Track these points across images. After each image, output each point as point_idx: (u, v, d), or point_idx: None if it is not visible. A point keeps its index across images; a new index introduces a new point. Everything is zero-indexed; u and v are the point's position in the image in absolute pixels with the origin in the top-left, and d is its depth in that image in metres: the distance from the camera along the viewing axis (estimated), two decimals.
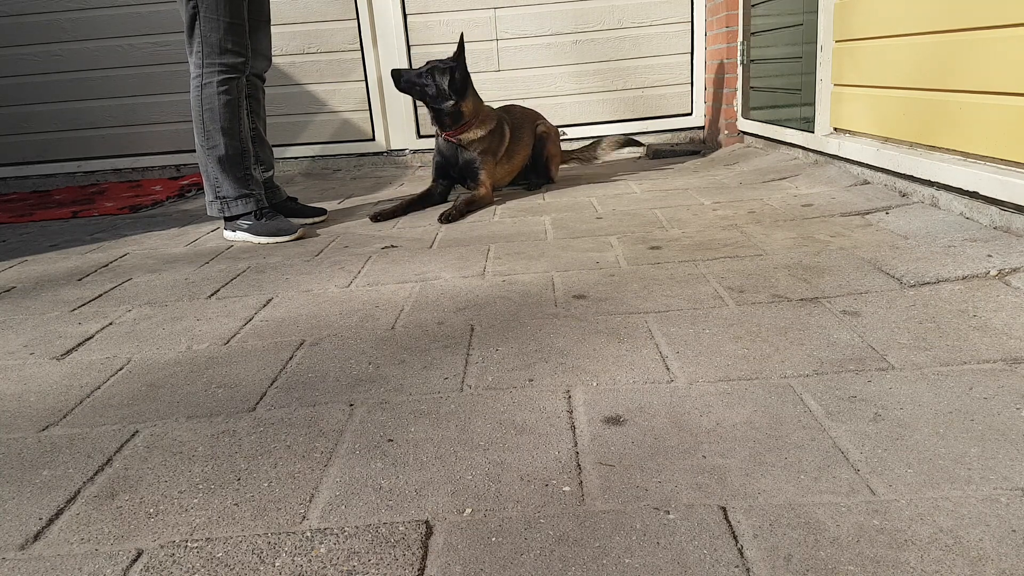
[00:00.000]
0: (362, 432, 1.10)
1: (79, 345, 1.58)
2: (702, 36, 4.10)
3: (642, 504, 0.88)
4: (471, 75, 2.86)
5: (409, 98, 4.18)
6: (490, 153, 2.87)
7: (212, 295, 1.89)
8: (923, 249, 1.74)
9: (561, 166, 3.41)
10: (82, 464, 1.07)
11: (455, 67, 2.77)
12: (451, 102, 2.78)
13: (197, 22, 2.30)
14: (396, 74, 2.82)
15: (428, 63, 2.82)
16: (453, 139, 2.85)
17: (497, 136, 2.92)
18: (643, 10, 4.09)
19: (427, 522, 0.88)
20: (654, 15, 4.09)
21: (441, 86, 2.76)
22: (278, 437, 1.11)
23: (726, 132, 3.92)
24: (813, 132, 2.90)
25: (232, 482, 0.99)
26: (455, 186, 2.98)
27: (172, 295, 1.91)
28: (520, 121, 3.14)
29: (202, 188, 2.76)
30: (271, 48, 2.69)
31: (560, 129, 4.10)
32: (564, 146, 3.50)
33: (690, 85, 4.20)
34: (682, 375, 1.22)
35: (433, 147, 4.20)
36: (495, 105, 3.06)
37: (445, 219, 2.58)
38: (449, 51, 4.24)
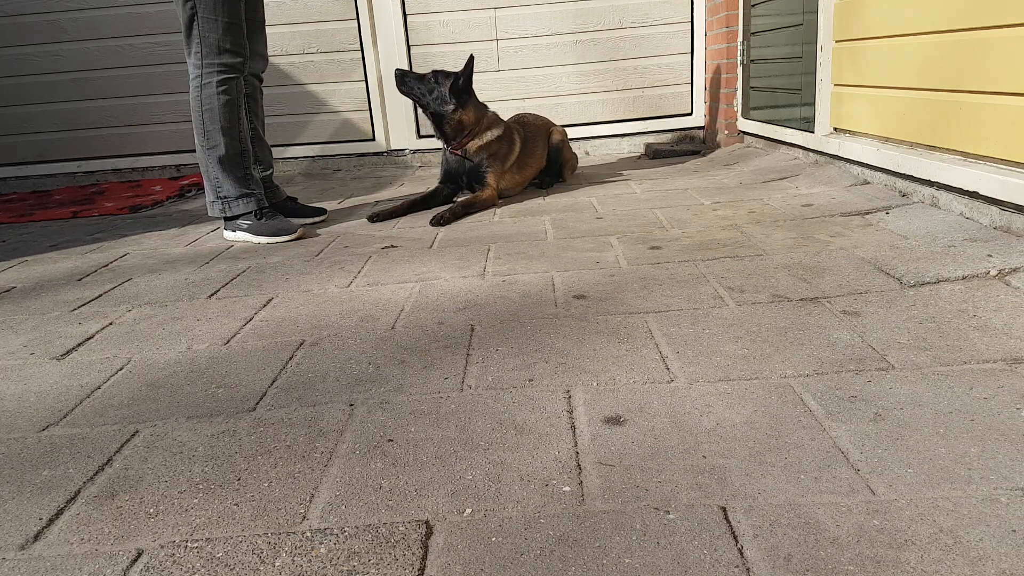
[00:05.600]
0: (362, 432, 1.10)
1: (79, 345, 1.58)
2: (702, 36, 4.10)
3: (642, 504, 0.88)
4: (474, 89, 2.85)
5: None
6: (498, 158, 2.86)
7: (212, 295, 1.89)
8: (923, 249, 1.74)
9: None
10: (82, 464, 1.07)
11: (459, 75, 2.77)
12: (451, 107, 2.76)
13: (195, 23, 2.31)
14: (400, 74, 2.80)
15: (433, 71, 2.82)
16: (459, 151, 2.84)
17: (506, 143, 2.90)
18: (643, 10, 4.09)
19: (427, 522, 0.88)
20: (654, 15, 4.09)
21: (442, 89, 2.76)
22: (278, 437, 1.11)
23: (726, 132, 3.92)
24: (813, 132, 2.90)
25: (232, 482, 0.99)
26: (463, 190, 2.95)
27: (172, 295, 1.91)
28: (533, 133, 3.12)
29: (202, 188, 2.76)
30: (267, 48, 2.69)
31: None
32: None
33: (690, 85, 4.19)
34: (682, 375, 1.22)
35: (433, 147, 4.23)
36: (497, 107, 3.05)
37: (437, 221, 2.53)
38: (449, 51, 4.24)
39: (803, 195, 2.49)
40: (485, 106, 2.91)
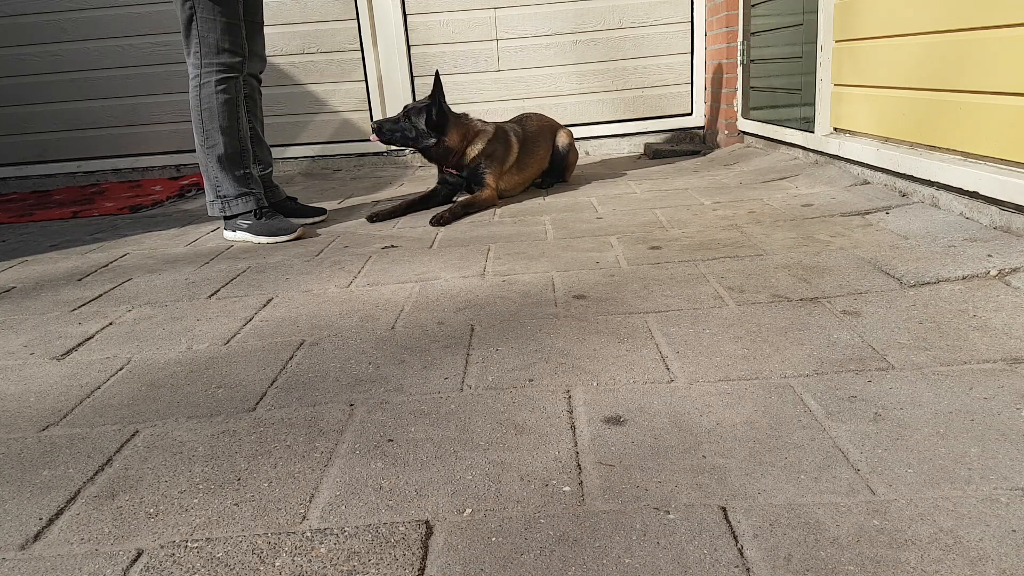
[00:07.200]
0: (362, 432, 1.10)
1: (79, 345, 1.58)
2: (702, 36, 4.10)
3: (642, 504, 0.88)
4: (448, 108, 2.82)
5: (409, 98, 4.19)
6: (495, 159, 2.85)
7: (212, 295, 1.89)
8: (923, 249, 1.74)
9: None
10: (82, 464, 1.07)
11: (429, 105, 2.74)
12: (432, 140, 2.76)
13: (194, 22, 2.31)
14: (377, 127, 2.80)
15: (404, 108, 2.81)
16: (453, 169, 2.84)
17: (500, 143, 2.88)
18: (643, 10, 4.09)
19: (427, 522, 0.88)
20: (654, 15, 4.09)
21: (419, 127, 2.74)
22: (278, 437, 1.11)
23: (726, 132, 3.92)
24: (813, 132, 2.90)
25: (232, 482, 0.99)
26: (462, 190, 2.93)
27: (172, 295, 1.91)
28: (536, 133, 3.09)
29: (202, 188, 2.76)
30: (265, 49, 2.69)
31: None
32: None
33: (690, 85, 4.20)
34: (682, 375, 1.22)
35: None
36: (497, 107, 3.04)
37: (436, 221, 2.53)
38: (449, 51, 4.24)
39: (803, 195, 2.49)
40: (465, 119, 2.86)
